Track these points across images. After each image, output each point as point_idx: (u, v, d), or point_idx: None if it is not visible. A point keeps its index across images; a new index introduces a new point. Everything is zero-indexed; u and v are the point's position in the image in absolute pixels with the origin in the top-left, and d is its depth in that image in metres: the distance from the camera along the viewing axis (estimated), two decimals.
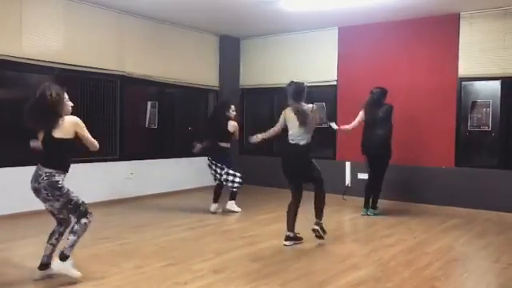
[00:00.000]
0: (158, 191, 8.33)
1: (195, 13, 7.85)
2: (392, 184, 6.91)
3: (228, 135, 6.79)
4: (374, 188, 6.88)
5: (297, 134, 5.14)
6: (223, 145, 6.79)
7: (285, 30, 9.00)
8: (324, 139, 8.87)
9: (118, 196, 7.74)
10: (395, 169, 7.01)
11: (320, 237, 5.18)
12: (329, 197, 8.31)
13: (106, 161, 7.63)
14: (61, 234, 4.03)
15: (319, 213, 5.23)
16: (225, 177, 6.74)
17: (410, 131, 7.74)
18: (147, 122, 8.49)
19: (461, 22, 7.40)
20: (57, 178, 3.76)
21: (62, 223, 4.02)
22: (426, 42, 7.74)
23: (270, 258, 4.62)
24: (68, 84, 6.95)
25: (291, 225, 5.17)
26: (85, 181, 7.22)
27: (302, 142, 5.12)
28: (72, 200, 3.85)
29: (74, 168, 7.46)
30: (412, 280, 4.04)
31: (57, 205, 3.83)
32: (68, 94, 3.96)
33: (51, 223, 6.21)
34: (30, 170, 3.84)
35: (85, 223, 3.89)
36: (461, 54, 7.41)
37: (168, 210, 7.15)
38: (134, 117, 8.36)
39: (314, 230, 5.17)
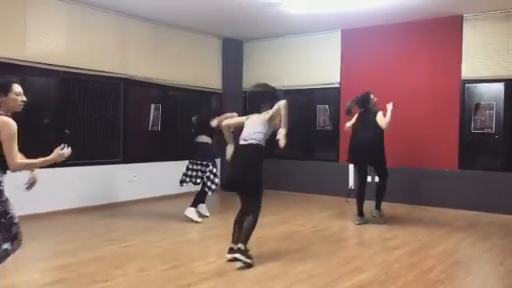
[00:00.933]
0: (161, 194, 8.33)
1: (198, 16, 7.87)
2: (395, 186, 6.89)
3: (210, 130, 6.39)
4: (364, 194, 6.52)
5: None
6: (204, 139, 6.46)
7: (288, 32, 9.02)
8: (327, 142, 8.88)
9: (122, 199, 7.75)
10: (398, 171, 7.00)
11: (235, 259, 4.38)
12: (332, 199, 8.40)
13: (109, 163, 7.65)
14: None
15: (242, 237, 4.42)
16: (207, 175, 6.34)
17: (413, 133, 7.74)
18: (150, 125, 8.50)
19: (464, 24, 7.40)
20: None
21: None
22: (429, 44, 7.74)
23: (274, 261, 4.61)
24: (71, 87, 7.09)
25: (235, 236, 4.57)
26: (88, 183, 7.27)
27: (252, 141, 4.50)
28: (8, 214, 3.23)
29: (77, 171, 7.52)
30: (416, 283, 4.03)
31: None
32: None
33: (60, 225, 6.26)
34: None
35: (5, 249, 3.24)
36: (464, 56, 7.42)
37: (171, 213, 7.14)
38: (137, 119, 8.38)
39: (232, 259, 4.42)
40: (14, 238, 3.29)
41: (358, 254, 5.04)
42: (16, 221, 3.28)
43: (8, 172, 3.23)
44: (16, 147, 3.16)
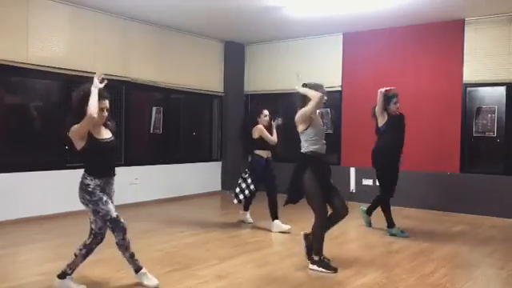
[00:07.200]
0: (162, 197, 8.34)
1: (200, 19, 7.89)
2: (396, 190, 6.87)
3: (255, 142, 6.18)
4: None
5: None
6: (255, 152, 6.21)
7: (289, 35, 9.03)
8: (329, 145, 8.87)
9: (123, 201, 7.72)
10: (400, 174, 6.98)
11: None
12: None
13: None
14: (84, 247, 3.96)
15: None
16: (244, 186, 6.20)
17: (414, 137, 7.72)
18: (152, 128, 8.52)
19: (466, 27, 7.41)
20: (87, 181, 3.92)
21: (90, 235, 3.93)
22: (430, 47, 7.74)
23: (276, 264, 4.61)
24: (73, 90, 7.09)
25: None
26: None
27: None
28: (99, 212, 3.88)
29: (79, 173, 7.51)
30: (417, 287, 4.03)
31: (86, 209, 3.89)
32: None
33: (62, 227, 6.27)
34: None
35: (117, 242, 3.96)
36: (466, 60, 7.42)
37: (173, 216, 7.16)
38: (139, 122, 8.40)
39: None
40: (114, 229, 3.90)
41: (359, 257, 5.03)
42: (109, 216, 3.90)
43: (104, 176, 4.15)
44: (78, 127, 3.77)
